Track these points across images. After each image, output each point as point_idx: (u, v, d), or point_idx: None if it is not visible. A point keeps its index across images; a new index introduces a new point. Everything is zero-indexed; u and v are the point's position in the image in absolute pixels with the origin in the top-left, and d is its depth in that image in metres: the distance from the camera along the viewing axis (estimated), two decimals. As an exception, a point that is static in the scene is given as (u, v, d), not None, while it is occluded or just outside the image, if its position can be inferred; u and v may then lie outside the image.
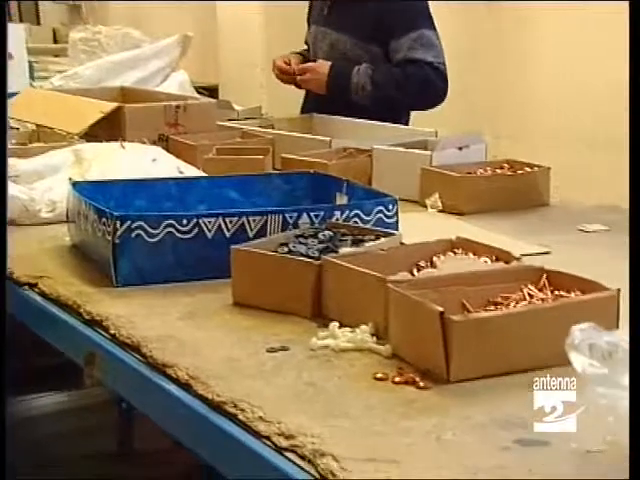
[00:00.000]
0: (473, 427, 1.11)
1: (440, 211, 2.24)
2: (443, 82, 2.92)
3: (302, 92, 3.22)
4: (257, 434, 1.12)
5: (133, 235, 1.63)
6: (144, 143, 2.41)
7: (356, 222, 1.73)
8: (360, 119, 2.87)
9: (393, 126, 2.83)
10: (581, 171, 3.60)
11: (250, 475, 1.12)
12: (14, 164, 2.13)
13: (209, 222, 1.66)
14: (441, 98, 2.97)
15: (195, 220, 1.65)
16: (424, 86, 2.90)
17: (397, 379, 1.23)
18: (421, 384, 1.21)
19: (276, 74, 3.13)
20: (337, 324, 1.39)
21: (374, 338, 1.35)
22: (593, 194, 2.50)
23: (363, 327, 1.37)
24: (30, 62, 3.81)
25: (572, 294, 1.37)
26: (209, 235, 1.66)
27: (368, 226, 1.72)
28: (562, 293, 1.38)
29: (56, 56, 5.12)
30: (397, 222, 1.78)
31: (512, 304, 1.36)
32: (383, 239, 1.62)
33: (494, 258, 1.53)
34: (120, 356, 1.40)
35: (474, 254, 1.55)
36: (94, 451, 2.97)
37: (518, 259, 1.51)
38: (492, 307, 1.36)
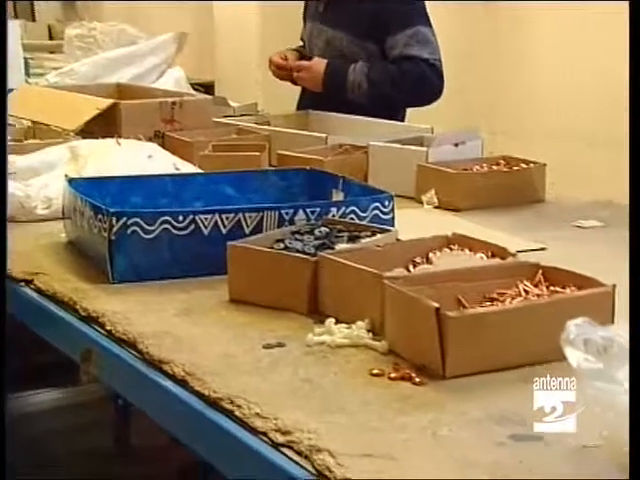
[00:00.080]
0: (469, 422, 1.11)
1: (436, 207, 2.24)
2: (439, 79, 2.92)
3: (298, 89, 3.22)
4: (253, 430, 1.12)
5: (129, 232, 1.63)
6: (140, 140, 2.41)
7: (352, 218, 1.73)
8: (356, 116, 2.87)
9: (389, 123, 2.83)
10: (576, 168, 3.60)
11: (247, 471, 1.12)
12: (10, 161, 2.13)
13: (205, 219, 1.66)
14: (437, 95, 2.97)
15: (191, 216, 1.65)
16: (420, 83, 2.90)
17: (393, 375, 1.23)
18: (417, 380, 1.22)
19: (272, 70, 3.13)
20: (333, 320, 1.39)
21: (370, 334, 1.36)
22: (589, 191, 2.50)
23: (359, 323, 1.37)
24: (25, 59, 3.80)
25: (568, 290, 1.37)
26: (205, 232, 1.66)
27: (364, 222, 1.72)
28: (558, 289, 1.38)
29: (51, 53, 5.11)
30: (393, 218, 1.78)
31: (508, 300, 1.36)
32: (379, 235, 1.63)
33: (490, 254, 1.53)
34: (116, 352, 1.41)
35: (470, 250, 1.56)
36: (91, 448, 2.97)
37: (514, 255, 1.52)
38: (488, 303, 1.36)
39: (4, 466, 1.54)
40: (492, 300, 1.37)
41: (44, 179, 2.12)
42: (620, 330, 1.02)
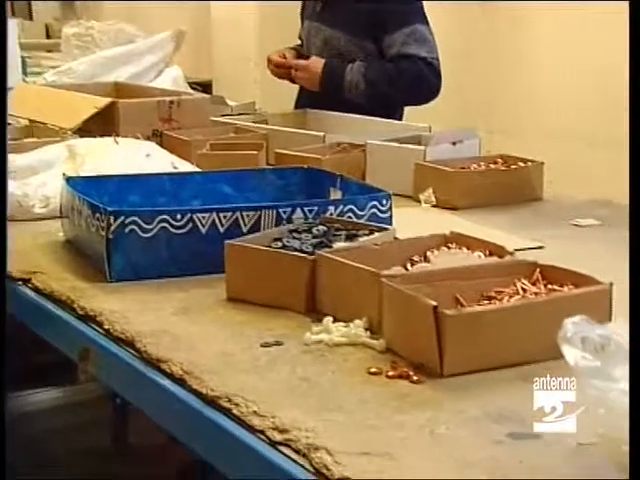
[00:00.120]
0: (466, 421, 1.11)
1: (434, 206, 2.24)
2: (436, 77, 2.92)
3: (296, 87, 3.22)
4: (251, 428, 1.12)
5: (127, 230, 1.63)
6: (138, 138, 2.41)
7: (350, 217, 1.73)
8: (354, 114, 2.87)
9: (387, 121, 2.83)
10: (574, 167, 3.61)
11: (244, 469, 1.12)
12: (8, 160, 2.13)
13: (203, 217, 1.66)
14: (434, 93, 2.97)
15: (189, 215, 1.65)
16: (417, 81, 2.90)
17: (391, 373, 1.23)
18: (415, 378, 1.22)
19: (271, 69, 3.12)
20: (331, 319, 1.39)
21: (368, 332, 1.36)
22: (587, 190, 2.51)
23: (357, 322, 1.37)
24: (23, 58, 3.79)
25: (565, 288, 1.37)
26: (203, 230, 1.66)
27: (362, 221, 1.72)
28: (555, 287, 1.38)
29: (49, 51, 5.10)
30: (391, 217, 1.78)
31: (505, 298, 1.36)
32: (377, 234, 1.63)
33: (488, 253, 1.53)
34: (114, 351, 1.40)
35: (468, 249, 1.56)
36: (89, 447, 2.97)
37: (511, 253, 1.52)
38: (486, 301, 1.36)
39: (4, 466, 1.54)
40: (490, 298, 1.37)
41: (42, 178, 2.11)
42: (617, 328, 1.02)
